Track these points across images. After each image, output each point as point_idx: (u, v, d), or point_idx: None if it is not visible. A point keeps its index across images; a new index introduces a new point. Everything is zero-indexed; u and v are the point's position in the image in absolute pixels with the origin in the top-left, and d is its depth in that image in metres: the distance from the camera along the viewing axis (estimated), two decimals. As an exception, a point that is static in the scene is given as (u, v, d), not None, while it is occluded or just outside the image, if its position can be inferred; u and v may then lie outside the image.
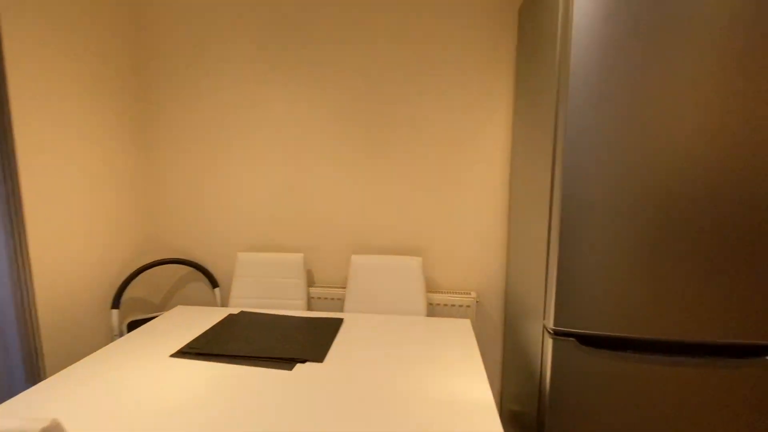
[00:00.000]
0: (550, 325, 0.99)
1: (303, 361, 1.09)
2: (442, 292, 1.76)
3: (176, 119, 1.84)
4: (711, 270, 0.89)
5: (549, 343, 1.00)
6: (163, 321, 1.40)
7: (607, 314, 0.95)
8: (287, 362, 1.09)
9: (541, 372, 1.06)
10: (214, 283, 1.87)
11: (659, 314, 0.93)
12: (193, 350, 1.15)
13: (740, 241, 0.88)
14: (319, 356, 1.12)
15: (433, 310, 1.72)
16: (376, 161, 1.74)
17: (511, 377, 1.55)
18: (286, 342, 1.20)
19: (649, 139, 0.88)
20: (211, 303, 1.96)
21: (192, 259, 1.92)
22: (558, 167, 0.95)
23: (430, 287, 1.81)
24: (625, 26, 0.86)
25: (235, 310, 1.48)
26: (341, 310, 1.76)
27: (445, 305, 1.71)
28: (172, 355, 1.12)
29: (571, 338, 0.97)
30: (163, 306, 1.99)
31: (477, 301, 1.79)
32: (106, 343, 1.67)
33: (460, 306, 1.71)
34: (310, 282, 1.86)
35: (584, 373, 0.98)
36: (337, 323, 1.37)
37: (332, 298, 1.76)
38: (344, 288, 1.79)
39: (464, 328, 1.33)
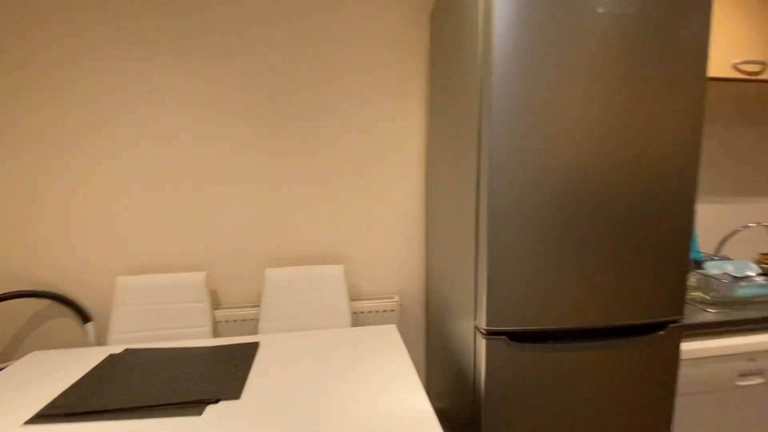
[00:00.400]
0: (483, 325, 0.99)
1: (215, 401, 0.91)
2: (365, 299, 1.69)
3: (20, 117, 1.43)
4: (611, 261, 0.99)
5: (482, 343, 1.00)
6: (13, 374, 1.05)
7: (531, 310, 0.98)
8: (195, 405, 0.89)
9: (474, 371, 1.05)
10: (84, 318, 1.50)
11: (572, 305, 0.99)
12: (61, 410, 0.88)
13: (630, 234, 0.99)
14: (234, 392, 0.95)
15: (357, 319, 1.63)
16: (287, 166, 1.60)
17: (436, 376, 1.56)
18: (190, 380, 1.00)
19: (559, 141, 0.94)
20: (82, 343, 1.57)
21: (50, 290, 1.51)
22: (483, 169, 0.95)
23: (354, 295, 1.72)
24: (540, 32, 0.90)
25: (118, 349, 1.20)
26: (256, 332, 1.56)
27: (370, 312, 1.65)
28: (29, 422, 0.84)
29: (501, 336, 0.99)
30: (10, 354, 1.53)
31: (401, 305, 1.77)
32: None
33: (384, 311, 1.67)
34: (216, 304, 1.62)
35: (514, 368, 1.00)
36: (252, 348, 1.19)
37: (244, 320, 1.56)
38: (258, 306, 1.60)
39: (391, 334, 1.28)
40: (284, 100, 1.56)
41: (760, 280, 1.34)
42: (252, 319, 1.56)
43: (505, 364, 1.00)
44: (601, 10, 0.91)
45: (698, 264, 1.53)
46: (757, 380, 1.19)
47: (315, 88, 1.57)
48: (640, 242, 0.99)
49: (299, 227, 1.64)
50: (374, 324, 1.65)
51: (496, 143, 0.92)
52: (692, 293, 1.37)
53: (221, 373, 1.04)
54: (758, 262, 1.85)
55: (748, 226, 1.73)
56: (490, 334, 0.99)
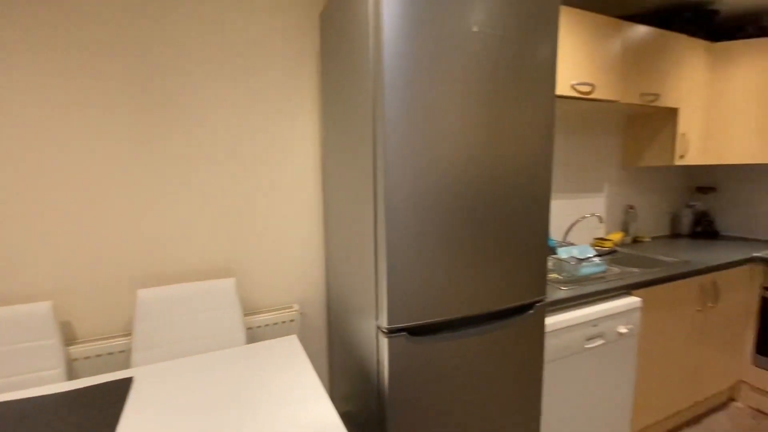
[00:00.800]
0: (384, 324, 1.02)
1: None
2: (263, 312, 1.58)
3: None
4: (491, 253, 1.11)
5: (384, 342, 1.03)
6: None
7: (428, 303, 1.04)
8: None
9: (378, 371, 1.07)
10: None
11: (463, 295, 1.09)
12: None
13: (505, 228, 1.13)
14: (99, 445, 0.78)
15: (254, 335, 1.52)
16: (163, 170, 1.40)
17: (341, 380, 1.55)
18: (33, 442, 0.79)
19: (444, 144, 1.02)
20: None
21: None
22: (380, 171, 0.97)
23: (249, 309, 1.60)
24: (425, 44, 0.96)
25: None
26: (127, 365, 1.33)
27: (267, 325, 1.55)
28: None
29: (402, 333, 1.02)
30: None
31: (302, 313, 1.71)
32: None
33: (284, 323, 1.59)
34: (70, 338, 1.33)
35: (415, 363, 1.05)
36: (123, 387, 1.01)
37: (111, 353, 1.31)
38: (129, 335, 1.36)
39: (291, 345, 1.23)
40: (157, 98, 1.36)
41: (596, 260, 1.67)
42: (122, 351, 1.32)
43: (407, 360, 1.04)
44: (475, 29, 1.01)
45: (552, 250, 1.83)
46: (599, 341, 1.48)
47: (202, 98, 1.41)
48: (513, 234, 1.13)
49: (180, 240, 1.45)
50: (274, 337, 1.55)
51: (390, 147, 0.95)
52: (550, 275, 1.63)
53: (81, 424, 0.85)
54: (594, 246, 2.30)
55: (585, 217, 2.14)
56: (391, 332, 1.02)
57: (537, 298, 1.20)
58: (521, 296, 1.16)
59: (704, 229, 2.59)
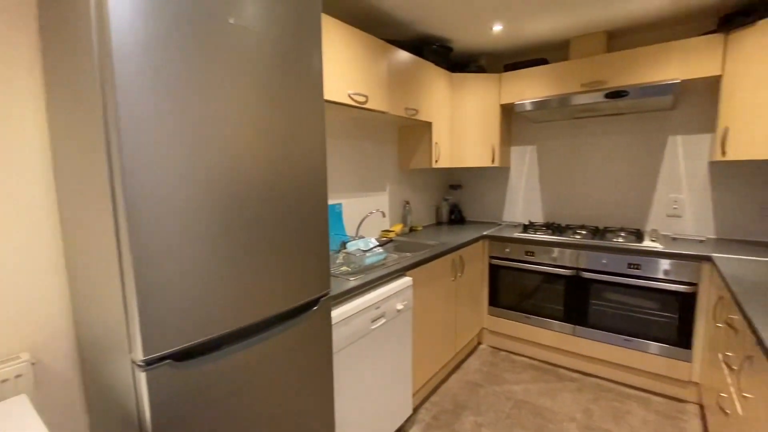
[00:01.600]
0: (140, 357, 0.85)
1: None
2: (-45, 378, 1.09)
3: None
4: (269, 256, 1.09)
5: (142, 378, 0.86)
6: None
7: (197, 321, 0.94)
8: None
9: (138, 414, 0.89)
10: None
11: (239, 304, 1.03)
12: None
13: (283, 229, 1.13)
14: None
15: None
16: None
17: (106, 437, 1.24)
18: None
19: (212, 146, 0.93)
20: None
21: None
22: (117, 179, 0.80)
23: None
24: (170, 21, 0.84)
25: None
26: None
27: (-31, 394, 1.08)
28: None
29: (165, 361, 0.88)
30: None
31: (35, 364, 1.27)
32: None
33: (4, 381, 1.15)
34: None
35: (187, 392, 0.93)
36: None
37: None
38: None
39: (20, 410, 0.90)
40: None
41: (378, 250, 1.90)
42: None
43: (175, 393, 0.91)
44: (231, 20, 0.96)
45: (345, 245, 1.98)
46: (382, 321, 1.69)
47: None
48: (292, 235, 1.15)
49: None
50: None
51: (129, 151, 0.79)
52: (341, 269, 1.76)
53: None
54: (380, 237, 2.62)
55: (372, 213, 2.42)
56: (150, 363, 0.86)
57: (321, 294, 1.26)
58: (305, 294, 1.19)
59: (456, 217, 3.35)
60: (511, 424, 1.99)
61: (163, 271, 0.86)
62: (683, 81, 2.19)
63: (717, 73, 2.09)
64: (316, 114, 1.20)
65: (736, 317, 1.41)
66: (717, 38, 2.07)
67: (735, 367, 1.38)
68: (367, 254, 1.79)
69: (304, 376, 1.23)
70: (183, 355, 0.92)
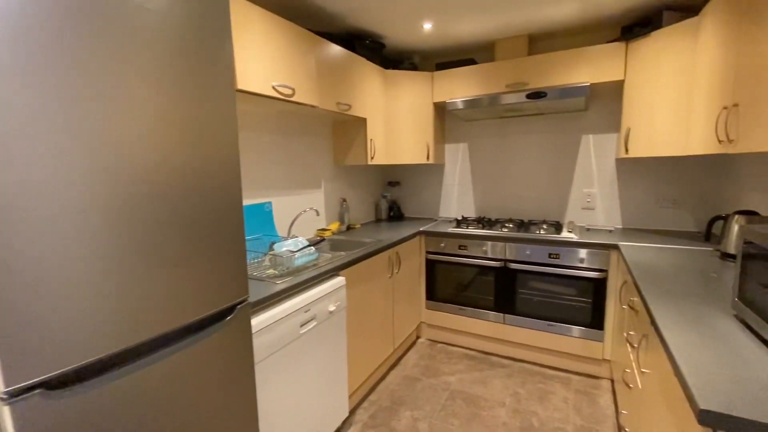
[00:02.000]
0: (2, 388, 0.71)
1: None
2: None
3: None
4: (175, 263, 0.98)
5: (5, 412, 0.72)
6: None
7: (80, 340, 0.81)
8: None
9: (2, 458, 0.75)
10: None
11: (137, 317, 0.91)
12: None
13: (192, 233, 1.03)
14: None
15: None
16: None
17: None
18: None
19: (103, 142, 0.81)
20: None
21: None
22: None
23: None
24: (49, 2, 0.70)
25: None
26: None
27: None
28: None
29: (35, 391, 0.75)
30: None
31: None
32: None
33: None
34: None
35: (68, 425, 0.80)
36: None
37: None
38: None
39: None
40: None
41: (310, 250, 1.83)
42: None
43: (53, 426, 0.77)
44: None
45: (272, 246, 1.88)
46: (313, 324, 1.62)
47: None
48: (200, 238, 1.04)
49: None
50: None
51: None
52: (267, 272, 1.67)
53: None
54: (316, 236, 2.54)
55: (305, 211, 2.33)
56: (15, 395, 0.73)
57: (237, 301, 1.16)
58: (217, 302, 1.09)
59: (395, 214, 3.36)
60: (445, 416, 2.04)
61: (31, 283, 0.72)
62: (593, 84, 2.38)
63: (620, 77, 2.30)
64: (226, 104, 1.10)
65: (636, 299, 1.56)
66: (619, 46, 2.28)
67: (635, 345, 1.53)
68: (297, 255, 1.71)
69: (221, 391, 1.13)
70: (59, 383, 0.79)
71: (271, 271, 1.66)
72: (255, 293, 1.39)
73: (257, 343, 1.31)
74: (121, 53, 0.85)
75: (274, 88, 1.76)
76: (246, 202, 2.06)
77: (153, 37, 0.91)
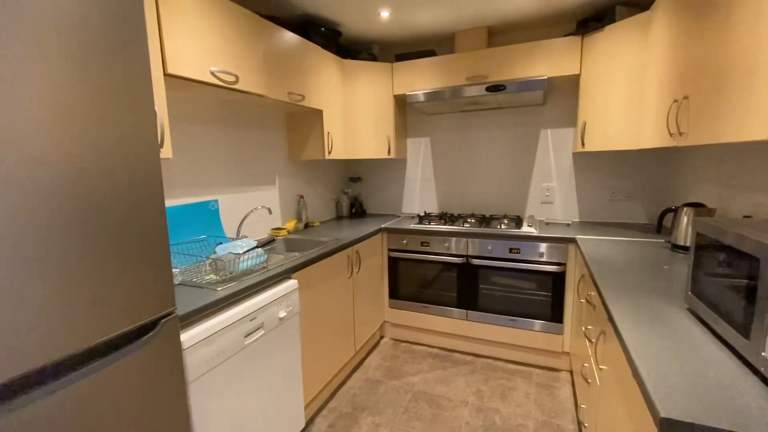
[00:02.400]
0: None
1: None
2: None
3: None
4: (78, 270, 0.83)
5: None
6: None
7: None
8: None
9: None
10: None
11: (25, 341, 0.75)
12: None
13: (104, 243, 0.87)
14: None
15: None
16: None
17: None
18: None
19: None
20: None
21: None
22: None
23: None
24: None
25: None
26: None
27: None
28: None
29: None
30: None
31: None
32: None
33: None
34: None
35: None
36: None
37: None
38: None
39: None
40: None
41: (258, 251, 1.68)
42: None
43: None
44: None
45: (213, 250, 1.71)
46: (260, 333, 1.49)
47: None
48: (117, 249, 0.88)
49: None
50: None
51: None
52: (207, 277, 1.51)
53: None
54: (270, 236, 2.38)
55: (256, 209, 2.17)
56: None
57: (161, 314, 1.01)
58: (134, 318, 0.94)
59: (357, 210, 3.25)
60: (407, 419, 1.96)
61: None
62: (551, 78, 2.38)
63: (576, 72, 2.30)
64: (141, 91, 0.94)
65: (594, 293, 1.55)
66: (575, 40, 2.28)
67: (593, 341, 1.51)
68: (242, 258, 1.56)
69: (146, 417, 0.98)
70: None
71: (211, 277, 1.51)
72: (190, 303, 1.24)
73: (191, 359, 1.17)
74: (6, 30, 0.68)
75: (213, 73, 1.59)
76: (185, 200, 1.88)
77: (42, 16, 0.74)
